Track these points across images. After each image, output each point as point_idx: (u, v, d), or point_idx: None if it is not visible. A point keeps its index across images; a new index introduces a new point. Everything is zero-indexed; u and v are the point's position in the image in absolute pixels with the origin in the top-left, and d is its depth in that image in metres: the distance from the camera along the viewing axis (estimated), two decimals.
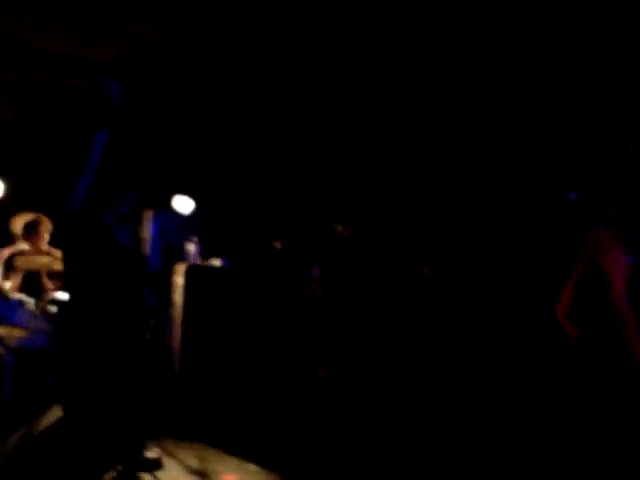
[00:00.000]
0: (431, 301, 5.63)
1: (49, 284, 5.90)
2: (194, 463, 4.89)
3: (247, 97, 5.74)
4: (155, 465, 4.39)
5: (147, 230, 6.37)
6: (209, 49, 5.12)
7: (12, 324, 5.36)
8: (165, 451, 5.05)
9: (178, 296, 6.17)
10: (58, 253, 5.94)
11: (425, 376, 5.46)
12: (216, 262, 6.25)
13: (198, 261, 6.26)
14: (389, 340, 5.85)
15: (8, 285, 5.74)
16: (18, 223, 5.96)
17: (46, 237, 6.00)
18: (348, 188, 6.57)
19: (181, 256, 6.37)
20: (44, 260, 5.89)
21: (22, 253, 5.95)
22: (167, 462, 4.60)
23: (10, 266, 5.95)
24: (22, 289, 5.83)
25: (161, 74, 5.48)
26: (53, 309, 5.53)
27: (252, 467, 4.88)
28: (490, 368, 5.04)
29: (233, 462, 5.00)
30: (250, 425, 5.55)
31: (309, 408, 5.69)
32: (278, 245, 6.62)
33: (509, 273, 5.18)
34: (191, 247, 6.26)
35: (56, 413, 4.18)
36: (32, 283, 5.89)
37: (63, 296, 5.61)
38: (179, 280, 6.19)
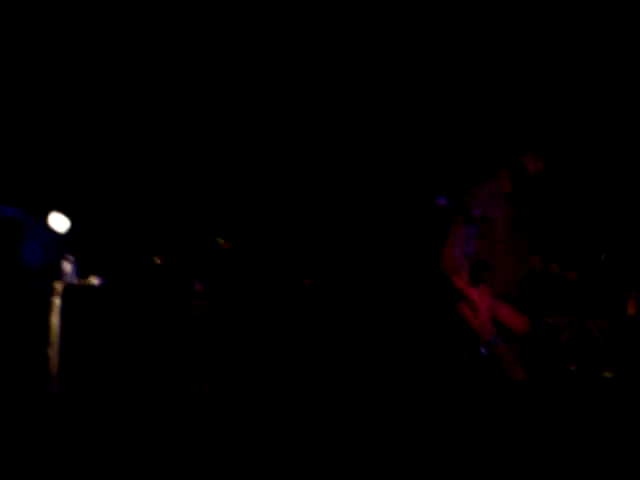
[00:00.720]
0: (314, 310, 5.72)
1: None
2: None
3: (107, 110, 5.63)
4: None
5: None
6: None
7: None
8: None
9: (55, 318, 5.95)
10: None
11: (315, 383, 5.55)
12: (94, 281, 6.06)
13: (75, 280, 6.06)
14: (275, 351, 5.90)
15: None
16: None
17: None
18: (228, 201, 6.58)
19: (58, 276, 6.15)
20: None
21: None
22: None
23: None
24: None
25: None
26: None
27: None
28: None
29: None
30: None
31: (197, 426, 5.66)
32: (158, 261, 6.52)
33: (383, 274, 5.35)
34: (67, 266, 6.05)
35: None
36: None
37: None
38: (56, 301, 5.97)
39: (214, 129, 6.03)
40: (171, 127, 6.02)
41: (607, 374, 3.92)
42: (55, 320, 5.95)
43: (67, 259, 6.04)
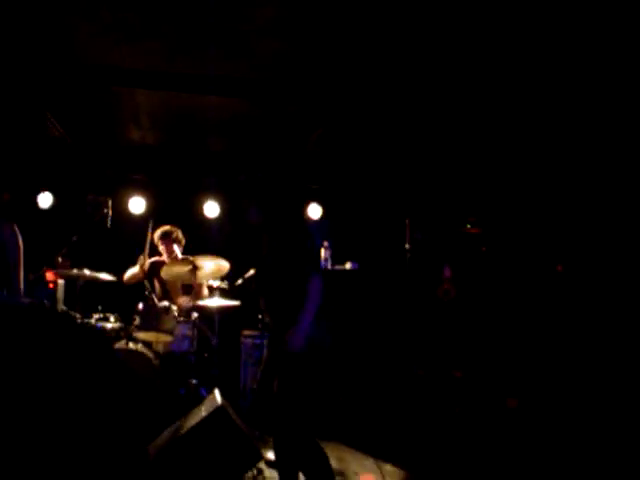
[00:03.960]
0: (566, 298, 5.42)
1: (190, 291, 6.19)
2: (332, 463, 4.97)
3: (369, 102, 5.77)
4: None
5: None
6: (327, 61, 5.21)
7: (158, 330, 5.68)
8: None
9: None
10: (197, 261, 6.26)
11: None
12: (347, 265, 6.32)
13: (329, 265, 6.35)
14: (526, 339, 5.69)
15: (154, 294, 6.10)
16: (156, 234, 6.30)
17: (181, 247, 6.29)
18: (477, 186, 6.45)
19: None
20: (183, 270, 6.17)
21: (163, 263, 6.29)
22: None
23: (154, 273, 6.31)
24: (164, 296, 6.20)
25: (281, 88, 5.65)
26: (195, 315, 5.81)
27: (389, 467, 4.90)
28: None
29: (369, 462, 5.05)
30: (387, 425, 5.58)
31: (446, 409, 5.65)
32: (408, 246, 6.60)
33: None
34: (323, 251, 6.37)
35: (199, 414, 4.33)
36: (174, 291, 6.25)
37: (205, 302, 5.88)
38: None
39: (465, 123, 5.94)
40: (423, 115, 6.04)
41: None
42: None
43: (322, 245, 6.37)
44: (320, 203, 7.24)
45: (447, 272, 6.19)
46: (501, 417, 5.64)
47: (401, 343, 6.06)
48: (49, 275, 5.94)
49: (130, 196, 7.24)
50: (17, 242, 4.83)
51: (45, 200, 7.08)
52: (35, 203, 7.06)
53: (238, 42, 4.70)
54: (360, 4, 4.18)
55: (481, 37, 4.49)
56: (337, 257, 6.40)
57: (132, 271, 6.24)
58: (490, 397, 5.80)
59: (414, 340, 6.05)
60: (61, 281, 6.02)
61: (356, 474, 4.74)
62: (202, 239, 6.71)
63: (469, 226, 6.36)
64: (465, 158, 6.52)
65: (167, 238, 6.23)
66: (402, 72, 5.14)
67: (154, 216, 6.56)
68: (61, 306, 5.94)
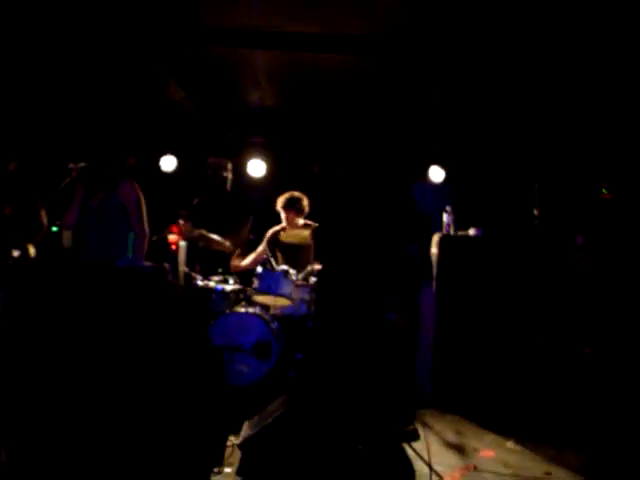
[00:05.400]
0: None
1: (308, 257, 6.17)
2: (451, 437, 4.83)
3: (493, 59, 5.45)
4: (412, 436, 4.34)
5: None
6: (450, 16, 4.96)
7: (277, 294, 5.70)
8: (422, 423, 5.05)
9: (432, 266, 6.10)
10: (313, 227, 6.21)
11: None
12: (470, 232, 6.05)
13: (452, 231, 6.12)
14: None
15: (273, 258, 6.14)
16: (280, 200, 6.30)
17: (303, 214, 6.26)
18: (610, 149, 5.99)
19: (434, 226, 6.29)
20: (303, 234, 6.16)
21: (284, 229, 6.31)
22: (424, 434, 4.47)
23: (275, 241, 6.34)
24: (285, 261, 6.20)
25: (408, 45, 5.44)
26: (313, 280, 5.77)
27: (510, 444, 4.70)
28: None
29: (490, 437, 4.86)
30: (509, 400, 5.36)
31: (571, 385, 5.36)
32: (537, 212, 6.24)
33: None
34: (445, 217, 6.14)
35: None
36: (293, 256, 6.23)
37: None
38: (434, 250, 6.12)
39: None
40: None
41: None
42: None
43: (445, 210, 6.13)
44: (442, 166, 7.00)
45: (579, 241, 5.81)
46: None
47: (528, 315, 5.77)
48: (172, 237, 6.05)
49: (250, 159, 7.25)
50: (138, 200, 4.91)
51: (168, 163, 7.23)
52: (158, 167, 7.22)
53: None
54: None
55: None
56: (460, 223, 6.14)
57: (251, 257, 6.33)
58: (623, 376, 5.44)
59: (541, 313, 5.74)
60: (182, 243, 6.12)
61: (476, 450, 4.55)
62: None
63: (604, 192, 5.93)
64: (600, 117, 6.08)
65: (291, 207, 6.21)
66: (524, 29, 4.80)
67: (273, 179, 6.56)
68: (183, 268, 6.06)
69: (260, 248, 6.38)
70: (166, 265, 4.52)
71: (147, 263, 4.85)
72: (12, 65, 5.82)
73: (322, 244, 5.60)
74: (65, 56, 5.64)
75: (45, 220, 6.06)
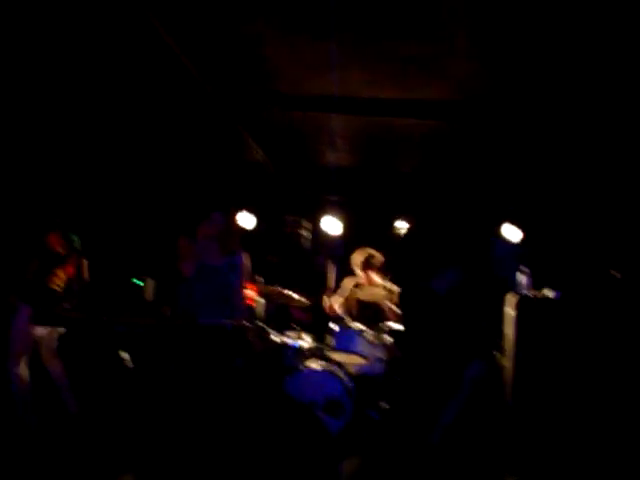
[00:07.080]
0: None
1: (386, 315, 6.19)
2: None
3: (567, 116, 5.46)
4: None
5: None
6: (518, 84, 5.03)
7: (352, 352, 5.72)
8: None
9: (510, 328, 6.02)
10: (392, 286, 6.24)
11: None
12: (549, 293, 5.96)
13: (529, 292, 6.04)
14: None
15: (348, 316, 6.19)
16: (357, 258, 6.38)
17: (379, 271, 6.32)
18: None
19: (511, 286, 6.22)
20: (379, 292, 6.21)
21: (359, 285, 6.38)
22: None
23: (351, 297, 6.40)
24: (360, 318, 6.24)
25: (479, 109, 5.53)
26: (389, 339, 5.77)
27: None
28: None
29: None
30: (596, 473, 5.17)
31: None
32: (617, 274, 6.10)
33: None
34: (523, 277, 6.08)
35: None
36: (368, 314, 6.27)
37: (398, 327, 5.85)
38: (511, 311, 6.04)
39: None
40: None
41: None
42: (509, 331, 6.03)
43: (522, 270, 6.07)
44: (517, 224, 6.96)
45: None
46: None
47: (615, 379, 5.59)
48: (249, 293, 6.18)
49: (326, 216, 7.40)
50: (247, 270, 5.02)
51: (247, 221, 7.43)
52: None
53: (435, 66, 4.65)
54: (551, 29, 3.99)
55: None
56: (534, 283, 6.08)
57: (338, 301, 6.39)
58: None
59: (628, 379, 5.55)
60: (261, 300, 6.24)
61: None
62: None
63: None
64: None
65: (370, 266, 6.29)
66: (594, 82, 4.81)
67: (349, 237, 6.66)
68: (260, 324, 6.17)
69: (342, 299, 6.41)
70: (246, 323, 4.63)
71: (228, 321, 4.96)
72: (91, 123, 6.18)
73: (408, 309, 5.62)
74: (164, 123, 5.96)
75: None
